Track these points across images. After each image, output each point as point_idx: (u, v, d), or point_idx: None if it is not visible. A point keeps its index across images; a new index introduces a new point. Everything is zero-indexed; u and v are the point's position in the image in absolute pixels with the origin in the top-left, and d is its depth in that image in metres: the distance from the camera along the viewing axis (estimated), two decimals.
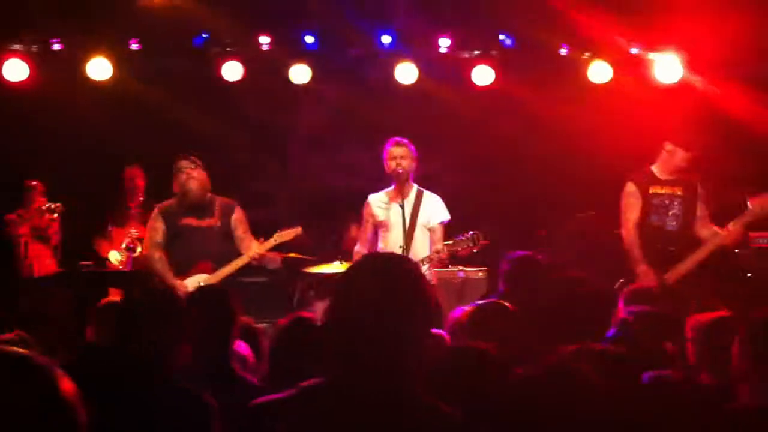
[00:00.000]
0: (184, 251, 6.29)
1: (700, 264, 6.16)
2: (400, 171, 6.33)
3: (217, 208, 6.39)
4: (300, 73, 8.23)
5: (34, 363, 1.64)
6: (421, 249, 6.36)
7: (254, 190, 8.38)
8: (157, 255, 6.35)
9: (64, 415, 1.62)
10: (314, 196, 8.92)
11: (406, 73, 8.22)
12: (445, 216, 6.48)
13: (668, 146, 6.38)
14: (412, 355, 2.16)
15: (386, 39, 8.23)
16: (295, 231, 6.40)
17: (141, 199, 7.70)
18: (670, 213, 6.37)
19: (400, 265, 2.27)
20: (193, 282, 6.10)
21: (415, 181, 6.52)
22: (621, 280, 6.10)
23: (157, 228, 6.38)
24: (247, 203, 6.74)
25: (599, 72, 8.03)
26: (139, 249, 7.27)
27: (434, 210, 6.47)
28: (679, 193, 6.39)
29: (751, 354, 3.16)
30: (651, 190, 6.41)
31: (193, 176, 6.28)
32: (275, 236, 6.38)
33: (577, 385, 2.37)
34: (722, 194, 7.17)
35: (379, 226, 6.50)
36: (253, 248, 6.30)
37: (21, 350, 1.68)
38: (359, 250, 6.52)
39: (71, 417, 1.63)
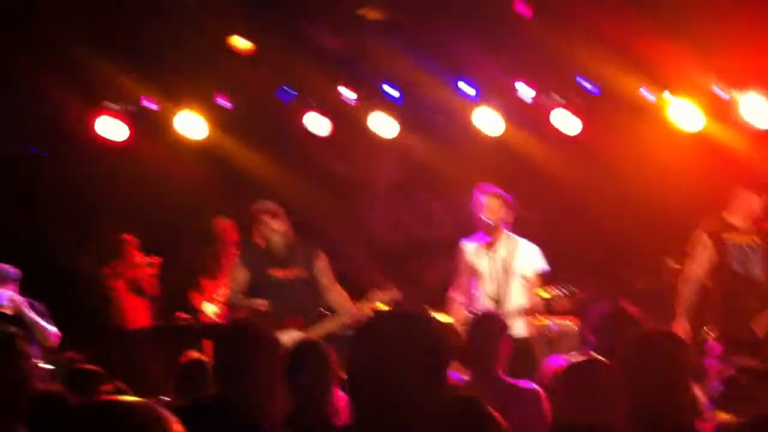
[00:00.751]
0: (272, 304, 6.10)
1: None
2: (495, 221, 6.34)
3: (299, 255, 6.21)
4: (382, 123, 8.34)
5: (157, 411, 1.71)
6: (515, 298, 6.34)
7: (333, 239, 8.43)
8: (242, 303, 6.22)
9: None
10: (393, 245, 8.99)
11: (490, 122, 8.26)
12: (542, 265, 6.45)
13: (743, 192, 6.19)
14: (414, 408, 2.20)
15: (469, 90, 8.29)
16: (392, 294, 6.14)
17: (233, 251, 7.85)
18: (752, 261, 6.17)
19: (402, 324, 2.33)
20: (287, 337, 5.91)
21: (509, 229, 6.52)
22: (704, 328, 5.96)
23: (239, 278, 6.25)
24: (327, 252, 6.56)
25: (690, 118, 7.83)
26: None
27: (530, 259, 6.44)
28: (758, 241, 6.20)
29: None
30: (727, 239, 6.21)
31: (274, 227, 6.16)
32: (374, 296, 6.12)
33: None
34: None
35: (472, 274, 6.49)
36: (363, 309, 6.04)
37: (140, 399, 1.76)
38: (454, 296, 6.53)
39: None
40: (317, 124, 8.38)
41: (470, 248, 6.53)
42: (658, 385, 3.03)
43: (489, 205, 6.38)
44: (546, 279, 6.33)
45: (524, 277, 6.41)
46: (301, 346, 4.25)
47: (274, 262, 6.16)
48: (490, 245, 6.45)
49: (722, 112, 7.82)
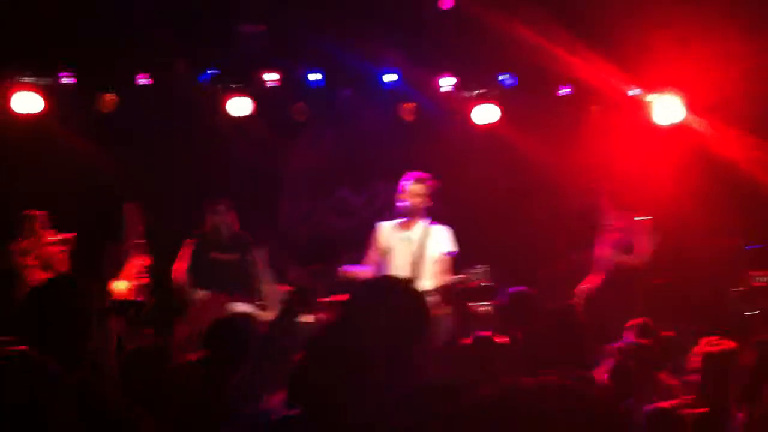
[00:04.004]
0: (209, 281, 7.08)
1: None
2: (417, 206, 6.46)
3: (239, 243, 7.27)
4: (302, 111, 8.36)
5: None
6: (427, 279, 6.46)
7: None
8: (183, 278, 7.18)
9: None
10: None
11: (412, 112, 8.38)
12: (450, 248, 6.59)
13: None
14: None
15: (390, 77, 8.37)
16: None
17: (138, 233, 7.80)
18: None
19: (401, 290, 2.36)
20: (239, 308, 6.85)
21: (427, 215, 6.63)
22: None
23: (187, 258, 7.21)
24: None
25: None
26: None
27: (441, 241, 6.58)
28: None
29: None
30: None
31: (223, 221, 7.27)
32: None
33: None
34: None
35: (385, 254, 6.58)
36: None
37: None
38: (365, 272, 6.59)
39: None
40: (239, 106, 8.33)
41: (385, 229, 6.63)
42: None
43: (412, 189, 6.50)
44: (460, 263, 6.44)
45: (436, 259, 6.52)
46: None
47: (218, 247, 7.25)
48: (406, 226, 6.57)
49: (636, 110, 8.11)
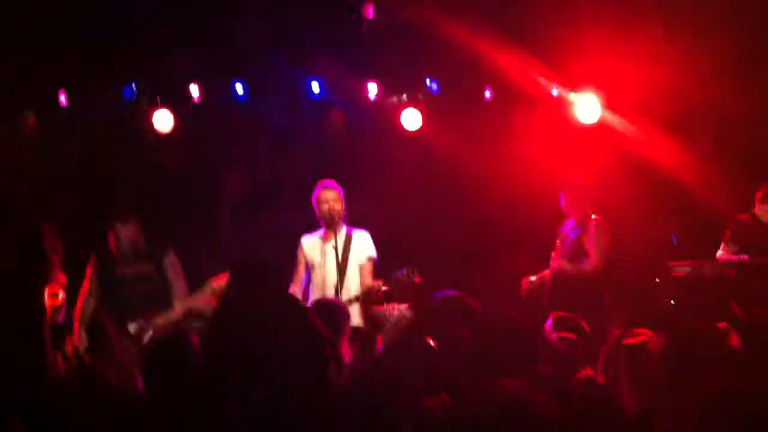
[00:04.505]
0: (119, 300, 6.48)
1: None
2: (333, 214, 6.48)
3: (149, 254, 6.64)
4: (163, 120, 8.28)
5: None
6: (353, 286, 6.48)
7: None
8: (82, 302, 6.59)
9: None
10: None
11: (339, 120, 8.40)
12: (372, 252, 6.60)
13: None
14: None
15: (315, 86, 8.37)
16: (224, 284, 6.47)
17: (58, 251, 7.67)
18: None
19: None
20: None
21: (345, 221, 6.64)
22: None
23: (87, 276, 6.64)
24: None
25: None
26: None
27: (363, 246, 6.60)
28: None
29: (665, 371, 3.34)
30: None
31: (123, 233, 6.57)
32: (207, 288, 6.37)
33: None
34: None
35: (311, 267, 6.59)
36: (196, 300, 6.38)
37: None
38: (294, 290, 6.59)
39: None
40: (164, 121, 8.26)
41: (307, 242, 6.66)
42: None
43: (323, 197, 6.55)
44: (391, 265, 6.47)
45: (359, 265, 6.53)
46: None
47: (123, 262, 6.61)
48: (326, 237, 6.58)
49: (559, 109, 8.23)
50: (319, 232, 6.68)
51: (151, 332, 6.30)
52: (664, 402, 3.68)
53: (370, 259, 6.58)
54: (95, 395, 3.89)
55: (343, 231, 6.62)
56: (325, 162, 8.39)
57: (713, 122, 8.10)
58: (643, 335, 4.26)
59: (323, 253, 6.56)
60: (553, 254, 7.10)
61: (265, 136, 8.80)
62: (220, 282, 6.26)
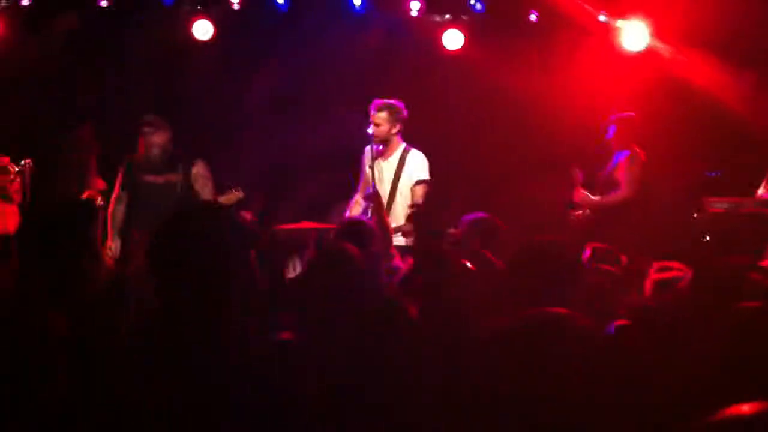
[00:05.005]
0: (144, 207, 6.59)
1: None
2: (380, 135, 6.49)
3: (176, 164, 6.73)
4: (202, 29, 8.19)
5: None
6: (400, 210, 6.50)
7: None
8: (113, 207, 6.77)
9: None
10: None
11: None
12: (422, 175, 6.54)
13: None
14: None
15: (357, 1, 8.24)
16: (237, 195, 6.58)
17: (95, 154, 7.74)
18: None
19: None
20: None
21: (402, 139, 6.62)
22: None
23: (118, 182, 6.81)
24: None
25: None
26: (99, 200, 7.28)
27: (414, 169, 6.56)
28: None
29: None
30: None
31: (153, 140, 6.64)
32: (224, 196, 6.60)
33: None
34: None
35: (370, 179, 6.54)
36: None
37: None
38: (357, 198, 6.70)
39: None
40: (204, 30, 8.20)
41: (368, 154, 6.62)
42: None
43: (376, 117, 6.49)
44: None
45: (411, 186, 6.54)
46: None
47: (149, 169, 6.73)
48: (383, 154, 6.59)
49: (603, 35, 8.04)
50: (378, 147, 6.62)
51: None
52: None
53: (420, 182, 6.53)
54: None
55: (399, 150, 6.58)
56: (363, 78, 8.29)
57: (763, 50, 7.85)
58: (675, 270, 4.22)
59: (379, 170, 6.55)
60: (577, 187, 7.06)
61: (303, 48, 8.67)
62: (233, 194, 6.55)
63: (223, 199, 6.52)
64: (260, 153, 8.50)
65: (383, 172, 6.53)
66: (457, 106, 8.66)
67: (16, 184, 7.41)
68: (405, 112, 6.56)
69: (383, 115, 6.48)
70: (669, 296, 4.05)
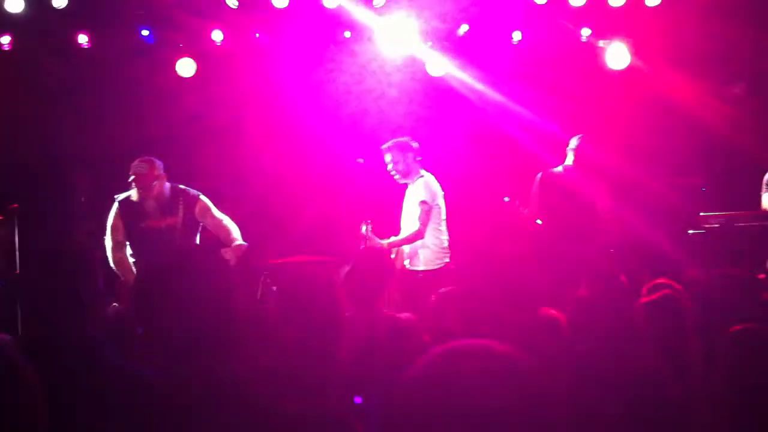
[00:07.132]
0: (148, 253, 6.17)
1: None
2: (393, 175, 6.90)
3: (175, 205, 6.33)
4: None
5: None
6: (403, 229, 6.91)
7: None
8: (118, 256, 6.31)
9: None
10: None
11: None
12: (421, 197, 6.79)
13: None
14: None
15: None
16: (241, 248, 6.30)
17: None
18: None
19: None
20: None
21: (411, 175, 6.90)
22: None
23: (118, 227, 6.34)
24: None
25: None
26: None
27: (415, 194, 6.87)
28: None
29: None
30: None
31: (146, 186, 6.24)
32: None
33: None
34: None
35: None
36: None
37: None
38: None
39: None
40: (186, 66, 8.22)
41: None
42: None
43: (387, 163, 6.88)
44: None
45: (411, 211, 6.85)
46: None
47: (147, 215, 6.30)
48: (407, 187, 6.98)
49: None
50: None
51: None
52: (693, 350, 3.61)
53: (419, 203, 6.75)
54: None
55: (416, 176, 6.90)
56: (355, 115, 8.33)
57: (748, 67, 7.89)
58: (667, 288, 4.16)
59: (408, 194, 6.95)
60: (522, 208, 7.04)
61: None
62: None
63: (228, 255, 6.16)
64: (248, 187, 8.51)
65: (407, 196, 6.93)
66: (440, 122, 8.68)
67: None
68: (411, 144, 6.88)
69: (389, 156, 6.85)
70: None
